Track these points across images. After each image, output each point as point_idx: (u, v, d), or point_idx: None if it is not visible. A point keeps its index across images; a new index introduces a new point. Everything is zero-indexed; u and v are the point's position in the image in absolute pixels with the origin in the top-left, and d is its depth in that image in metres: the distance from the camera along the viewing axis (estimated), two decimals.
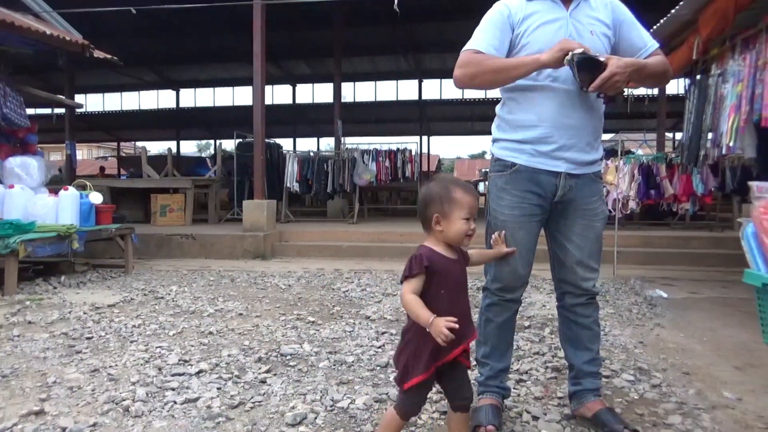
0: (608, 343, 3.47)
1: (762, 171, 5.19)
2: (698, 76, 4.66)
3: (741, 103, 3.81)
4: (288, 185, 10.04)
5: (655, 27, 4.61)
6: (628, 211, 7.44)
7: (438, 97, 21.58)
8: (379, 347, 3.27)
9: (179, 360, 3.05)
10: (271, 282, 5.58)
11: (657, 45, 2.14)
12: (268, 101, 19.71)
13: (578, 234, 2.13)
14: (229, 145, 15.74)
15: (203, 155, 26.37)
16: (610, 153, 8.60)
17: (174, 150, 22.38)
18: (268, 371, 2.87)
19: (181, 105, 22.45)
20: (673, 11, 4.14)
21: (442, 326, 1.62)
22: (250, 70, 8.53)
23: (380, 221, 10.70)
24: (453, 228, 1.80)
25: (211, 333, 3.61)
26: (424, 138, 24.00)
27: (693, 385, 2.78)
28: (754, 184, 1.67)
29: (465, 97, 20.91)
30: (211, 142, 28.58)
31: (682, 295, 5.12)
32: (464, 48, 2.10)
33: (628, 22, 2.14)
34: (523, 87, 2.07)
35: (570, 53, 1.86)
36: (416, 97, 21.28)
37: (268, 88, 21.95)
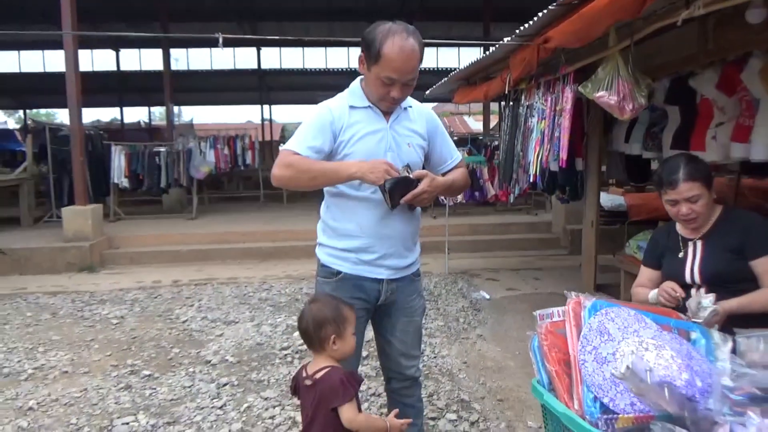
0: (437, 370, 3.82)
1: (564, 181, 5.92)
2: (511, 103, 5.13)
3: (544, 140, 4.29)
4: (116, 181, 9.24)
5: (476, 59, 4.96)
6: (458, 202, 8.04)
7: (278, 66, 21.01)
8: (220, 408, 3.26)
9: None
10: (100, 314, 5.19)
11: (461, 157, 2.34)
12: (87, 67, 17.58)
13: (401, 330, 2.30)
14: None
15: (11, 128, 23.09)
16: None
17: None
18: None
19: None
20: (488, 52, 4.49)
21: (399, 424, 1.90)
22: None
23: (222, 214, 10.33)
24: (348, 345, 1.90)
25: (31, 409, 3.30)
26: (266, 107, 23.40)
27: (504, 415, 3.19)
28: (536, 313, 1.94)
29: (306, 67, 20.66)
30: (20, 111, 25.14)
31: (502, 293, 5.74)
32: (284, 147, 2.10)
33: (441, 134, 2.30)
34: (346, 195, 2.13)
35: (384, 180, 1.97)
36: (255, 66, 20.54)
37: (87, 53, 19.71)
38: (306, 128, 2.10)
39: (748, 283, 2.19)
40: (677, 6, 2.92)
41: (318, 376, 1.86)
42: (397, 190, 2.01)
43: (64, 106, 7.59)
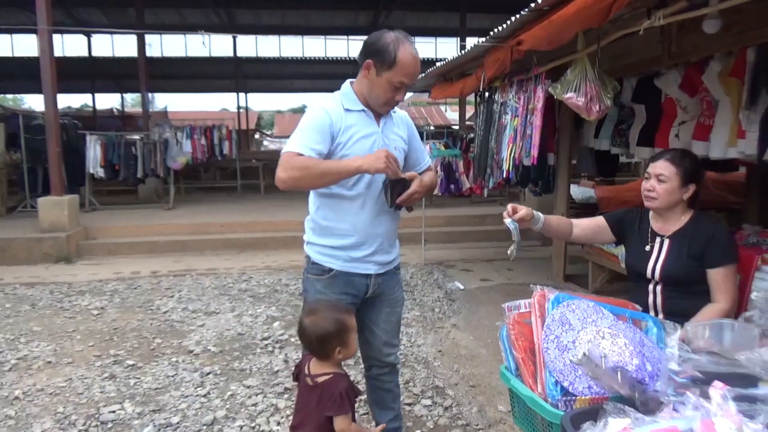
0: (413, 358, 3.99)
1: (536, 176, 6.11)
2: (486, 98, 5.29)
3: (517, 137, 4.47)
4: (91, 171, 9.18)
5: (452, 57, 5.10)
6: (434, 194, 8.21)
7: (254, 54, 20.85)
8: (205, 396, 3.38)
9: None
10: (80, 305, 5.24)
11: (430, 162, 2.55)
12: (58, 53, 17.46)
13: (384, 320, 2.46)
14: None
15: None
16: None
17: None
18: None
19: None
20: (464, 51, 4.64)
21: None
22: (30, 16, 7.43)
23: (199, 204, 10.32)
24: (351, 349, 1.99)
25: (17, 398, 3.37)
26: (242, 95, 23.22)
27: (477, 400, 3.37)
28: (505, 305, 2.10)
29: (282, 55, 20.56)
30: None
31: (476, 284, 5.93)
32: (286, 149, 2.14)
33: (416, 139, 2.46)
34: (339, 195, 2.24)
35: (385, 177, 2.13)
36: (231, 54, 20.38)
37: (57, 38, 19.34)
38: (306, 130, 2.15)
39: (702, 285, 2.32)
40: (641, 14, 3.09)
41: (320, 380, 1.95)
42: (396, 190, 2.17)
43: (35, 92, 7.52)
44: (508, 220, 2.29)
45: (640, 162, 9.34)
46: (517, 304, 2.10)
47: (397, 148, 2.31)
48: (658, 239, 2.43)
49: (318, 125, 2.15)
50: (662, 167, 2.32)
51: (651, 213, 2.51)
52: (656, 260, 2.40)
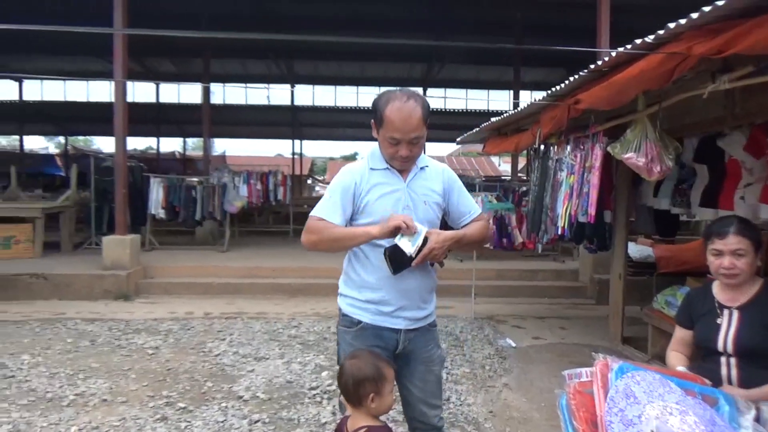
0: (463, 418, 3.88)
1: (592, 233, 5.98)
2: (541, 155, 5.29)
3: (573, 194, 4.42)
4: (153, 212, 9.59)
5: (508, 112, 5.16)
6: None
7: (310, 103, 21.59)
8: None
9: None
10: (136, 343, 5.38)
11: (479, 211, 2.49)
12: (128, 99, 18.50)
13: (419, 379, 2.41)
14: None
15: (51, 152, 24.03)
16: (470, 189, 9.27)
17: (17, 144, 20.24)
18: None
19: (25, 98, 20.25)
20: (519, 108, 4.69)
21: None
22: (105, 64, 7.95)
23: (252, 248, 10.53)
24: (386, 402, 2.01)
25: None
26: (297, 141, 23.96)
27: None
28: (565, 373, 2.04)
29: (337, 105, 21.21)
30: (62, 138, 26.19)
31: (528, 342, 5.77)
32: (312, 213, 2.31)
33: (457, 190, 2.44)
34: (367, 250, 2.30)
35: (385, 248, 2.17)
36: (288, 102, 21.17)
37: (128, 85, 20.53)
38: (331, 196, 2.30)
39: None
40: (704, 75, 3.06)
41: None
42: (395, 258, 2.17)
43: (105, 134, 7.98)
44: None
45: (702, 222, 9.01)
46: (578, 372, 2.04)
47: (427, 202, 2.34)
48: (726, 311, 2.35)
49: (342, 190, 2.29)
50: (736, 242, 2.26)
51: (715, 286, 2.44)
52: (727, 331, 2.31)
